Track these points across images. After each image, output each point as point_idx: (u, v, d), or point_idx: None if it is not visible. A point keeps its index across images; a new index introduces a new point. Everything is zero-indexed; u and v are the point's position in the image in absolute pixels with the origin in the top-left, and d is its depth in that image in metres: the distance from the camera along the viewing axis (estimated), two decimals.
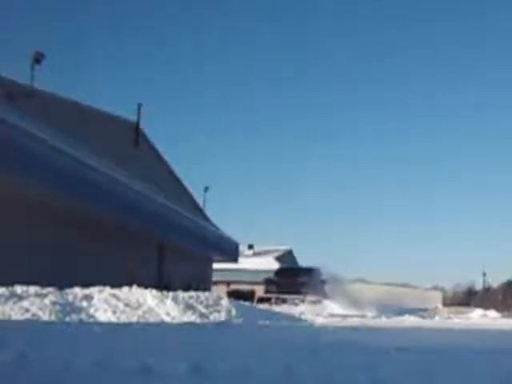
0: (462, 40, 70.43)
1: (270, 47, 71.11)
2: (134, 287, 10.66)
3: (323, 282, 27.04)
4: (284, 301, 25.83)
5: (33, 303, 9.21)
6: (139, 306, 9.63)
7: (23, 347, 3.76)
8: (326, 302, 24.25)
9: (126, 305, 9.57)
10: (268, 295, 27.54)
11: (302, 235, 71.97)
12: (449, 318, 20.98)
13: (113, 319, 9.02)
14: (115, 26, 63.52)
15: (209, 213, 30.06)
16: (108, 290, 10.16)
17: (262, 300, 26.15)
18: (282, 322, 10.30)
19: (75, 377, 3.06)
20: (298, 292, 26.56)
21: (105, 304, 9.51)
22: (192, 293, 11.12)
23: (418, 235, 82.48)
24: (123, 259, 17.37)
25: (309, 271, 28.01)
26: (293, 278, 27.95)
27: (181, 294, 10.61)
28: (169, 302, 9.84)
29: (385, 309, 21.14)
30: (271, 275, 30.47)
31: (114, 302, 9.64)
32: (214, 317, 9.97)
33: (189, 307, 9.93)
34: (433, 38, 72.40)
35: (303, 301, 25.28)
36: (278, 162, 75.40)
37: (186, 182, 27.49)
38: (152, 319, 9.18)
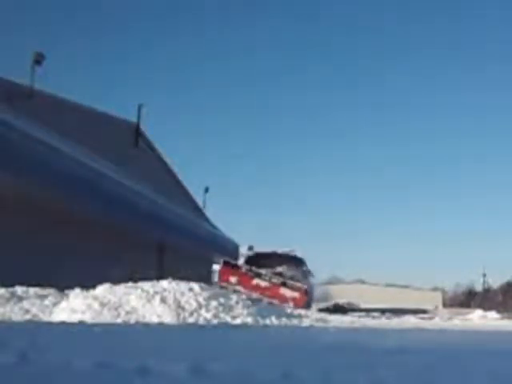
0: (462, 40, 70.64)
1: (270, 47, 71.19)
2: (119, 286, 10.51)
3: (308, 273, 21.56)
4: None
5: (33, 304, 9.20)
6: (132, 306, 9.58)
7: (23, 348, 3.76)
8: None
9: (119, 306, 9.54)
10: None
11: (303, 236, 71.94)
12: (449, 318, 20.99)
13: (110, 319, 9.01)
14: (115, 26, 63.58)
15: (209, 213, 30.06)
16: (101, 289, 10.08)
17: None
18: (282, 322, 10.29)
19: (75, 377, 3.07)
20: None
21: (100, 305, 9.48)
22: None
23: (417, 236, 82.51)
24: (123, 259, 17.36)
25: (290, 259, 21.44)
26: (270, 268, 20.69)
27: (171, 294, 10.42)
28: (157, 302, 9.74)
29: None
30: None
31: (112, 302, 9.63)
32: None
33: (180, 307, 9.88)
34: (433, 38, 72.52)
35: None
36: (279, 162, 75.48)
37: (185, 183, 27.51)
38: (146, 320, 9.14)
